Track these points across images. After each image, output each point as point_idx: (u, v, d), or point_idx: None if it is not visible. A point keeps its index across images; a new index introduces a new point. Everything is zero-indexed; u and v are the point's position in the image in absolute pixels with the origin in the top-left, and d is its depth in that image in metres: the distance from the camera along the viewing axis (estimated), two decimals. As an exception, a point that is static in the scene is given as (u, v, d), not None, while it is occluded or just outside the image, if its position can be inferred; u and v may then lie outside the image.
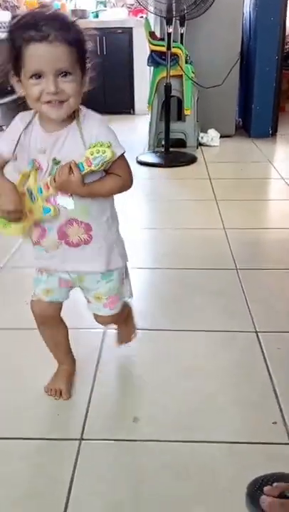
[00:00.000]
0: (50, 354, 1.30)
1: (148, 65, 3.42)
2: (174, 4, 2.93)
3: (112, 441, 1.04)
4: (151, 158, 3.30)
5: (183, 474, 0.96)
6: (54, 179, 0.93)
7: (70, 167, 0.90)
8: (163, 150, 3.36)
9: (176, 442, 1.04)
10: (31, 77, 0.86)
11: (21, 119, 0.97)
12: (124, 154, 0.96)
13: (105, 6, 5.02)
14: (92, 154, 0.90)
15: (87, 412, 1.11)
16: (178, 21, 3.30)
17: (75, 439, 1.04)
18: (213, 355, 1.31)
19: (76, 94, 0.90)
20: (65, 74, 0.87)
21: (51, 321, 1.14)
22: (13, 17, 0.89)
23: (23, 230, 1.00)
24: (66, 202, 0.96)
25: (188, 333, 1.41)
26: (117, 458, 1.00)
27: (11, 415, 1.11)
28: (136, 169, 3.11)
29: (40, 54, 0.84)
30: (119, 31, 4.73)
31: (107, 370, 1.26)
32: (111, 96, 4.90)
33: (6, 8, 5.04)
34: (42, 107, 0.89)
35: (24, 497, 0.92)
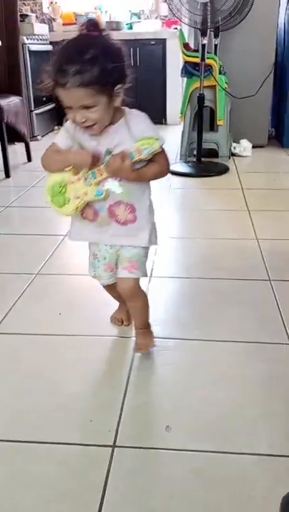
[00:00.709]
0: (84, 359, 1.32)
1: (182, 75, 3.45)
2: (208, 16, 2.95)
3: (145, 449, 1.04)
4: (183, 168, 3.31)
5: (215, 484, 0.96)
6: (108, 166, 1.09)
7: (122, 156, 1.06)
8: (195, 160, 3.37)
9: (208, 452, 1.03)
10: (66, 107, 1.05)
11: (70, 122, 1.11)
12: (163, 146, 1.12)
13: (139, 18, 5.09)
14: (142, 146, 1.07)
15: (119, 418, 1.12)
16: (212, 32, 3.32)
17: (108, 446, 1.05)
18: (246, 366, 1.30)
19: (103, 117, 1.06)
20: (89, 107, 1.03)
21: (113, 290, 1.38)
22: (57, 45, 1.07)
23: (77, 209, 1.16)
24: (115, 186, 1.14)
25: (220, 344, 1.40)
26: (150, 466, 1.00)
27: (45, 419, 1.13)
28: (167, 179, 3.13)
29: (64, 96, 1.03)
30: (153, 42, 4.78)
31: (139, 377, 1.27)
32: (143, 106, 4.90)
33: (43, 21, 5.17)
34: (79, 126, 1.08)
35: (57, 499, 0.93)
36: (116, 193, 1.14)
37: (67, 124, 1.14)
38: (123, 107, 1.12)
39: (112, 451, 1.03)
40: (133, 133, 1.10)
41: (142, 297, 1.35)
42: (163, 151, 1.13)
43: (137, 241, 1.22)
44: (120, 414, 1.13)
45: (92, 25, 1.03)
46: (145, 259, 1.28)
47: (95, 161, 1.10)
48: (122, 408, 1.15)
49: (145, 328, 1.38)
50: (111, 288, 1.38)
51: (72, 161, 1.12)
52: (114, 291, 1.39)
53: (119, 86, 1.05)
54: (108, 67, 1.01)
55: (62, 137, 1.15)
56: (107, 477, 0.97)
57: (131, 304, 1.36)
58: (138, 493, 0.94)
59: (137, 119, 1.12)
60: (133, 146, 1.08)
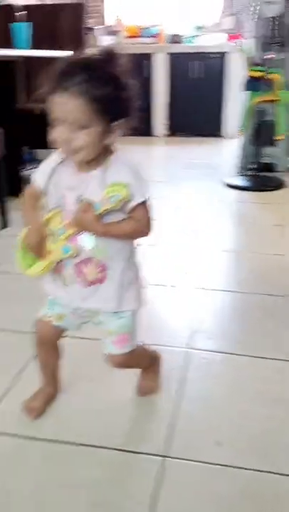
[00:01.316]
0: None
1: (244, 89, 3.44)
2: (275, 30, 2.93)
3: (195, 463, 1.04)
4: (240, 181, 3.29)
5: (264, 506, 0.94)
6: (73, 218, 0.96)
7: (84, 206, 0.94)
8: (252, 174, 3.35)
9: (259, 472, 1.02)
10: (52, 121, 0.90)
11: (53, 158, 1.01)
12: (146, 203, 0.97)
13: (202, 32, 5.12)
14: (108, 194, 0.93)
15: (169, 429, 1.12)
16: (277, 47, 3.29)
17: (158, 455, 1.05)
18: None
19: (90, 146, 0.91)
20: (80, 127, 0.88)
21: (50, 344, 1.15)
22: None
23: (46, 270, 1.03)
24: (87, 241, 0.99)
25: (273, 361, 1.38)
26: (199, 480, 1.00)
27: (96, 423, 1.15)
28: (224, 192, 3.13)
29: (60, 103, 0.88)
30: (214, 56, 4.79)
31: (190, 389, 1.26)
32: (202, 118, 4.97)
33: (108, 34, 5.31)
34: (60, 147, 0.93)
35: (103, 504, 0.94)
36: (87, 249, 0.99)
37: (53, 157, 1.00)
38: (114, 150, 0.97)
39: (162, 461, 1.04)
40: (107, 182, 0.94)
41: (136, 363, 1.18)
42: (144, 205, 0.97)
43: (105, 306, 1.04)
44: (170, 425, 1.14)
45: (109, 53, 0.91)
46: (135, 325, 1.10)
47: (41, 237, 1.00)
48: (172, 419, 1.16)
49: (148, 369, 1.24)
50: (48, 342, 1.14)
51: (24, 232, 1.02)
52: (49, 350, 1.16)
53: (118, 121, 0.92)
54: (116, 95, 0.89)
55: (41, 174, 1.02)
56: (155, 487, 0.97)
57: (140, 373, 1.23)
58: (186, 506, 0.94)
59: (118, 168, 0.95)
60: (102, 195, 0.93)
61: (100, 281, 1.01)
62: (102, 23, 5.36)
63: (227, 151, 4.21)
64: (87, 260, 1.00)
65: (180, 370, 1.34)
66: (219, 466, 1.03)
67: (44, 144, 3.58)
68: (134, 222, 0.98)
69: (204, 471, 1.02)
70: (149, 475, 1.00)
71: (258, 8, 2.88)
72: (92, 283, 1.01)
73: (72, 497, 0.96)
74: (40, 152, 3.80)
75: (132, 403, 1.22)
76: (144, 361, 1.21)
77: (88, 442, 1.09)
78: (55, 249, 1.00)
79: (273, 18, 2.89)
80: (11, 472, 1.02)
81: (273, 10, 2.83)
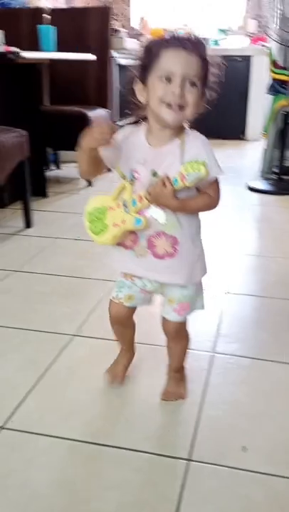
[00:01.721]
0: (161, 368, 1.33)
1: (268, 93, 3.42)
2: (300, 33, 2.91)
3: (220, 467, 1.03)
4: (263, 184, 3.27)
5: (291, 513, 0.94)
6: (149, 192, 0.99)
7: (164, 181, 0.96)
8: (275, 177, 3.32)
9: (284, 478, 1.01)
10: (161, 78, 0.93)
11: (126, 129, 1.05)
12: (219, 178, 1.02)
13: (226, 35, 5.11)
14: (186, 171, 0.94)
15: (195, 433, 1.12)
16: (302, 50, 3.27)
17: (184, 459, 1.05)
18: None
19: (194, 105, 0.95)
20: (192, 83, 0.94)
21: (125, 322, 1.22)
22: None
23: (115, 238, 1.06)
24: (158, 215, 1.02)
25: (299, 368, 1.37)
26: (224, 485, 0.99)
27: (124, 426, 1.15)
28: (246, 195, 3.11)
29: (177, 57, 0.93)
30: (238, 59, 4.78)
31: (215, 394, 1.26)
32: (224, 121, 4.95)
33: (133, 36, 5.33)
34: (161, 108, 0.95)
35: (131, 506, 0.95)
36: (159, 223, 1.02)
37: (123, 131, 1.04)
38: (186, 127, 1.01)
39: (188, 464, 1.04)
40: (185, 157, 0.98)
41: (186, 338, 1.22)
42: (216, 181, 1.02)
43: (175, 279, 1.08)
44: (196, 429, 1.13)
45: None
46: (197, 296, 1.15)
47: (100, 135, 0.97)
48: (197, 422, 1.15)
49: (179, 373, 1.26)
50: (123, 321, 1.22)
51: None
52: (125, 326, 1.24)
53: (207, 91, 0.98)
54: (212, 63, 0.98)
55: (121, 135, 1.03)
56: (181, 491, 0.97)
57: (172, 345, 1.23)
58: (210, 510, 0.94)
59: (194, 142, 0.99)
60: (178, 170, 0.96)
61: (171, 255, 1.05)
62: (128, 26, 5.39)
63: (251, 155, 4.19)
64: (160, 233, 1.03)
65: (205, 374, 1.34)
66: (244, 472, 1.02)
67: (67, 145, 3.63)
68: (208, 197, 1.02)
69: (229, 476, 1.01)
70: (175, 478, 1.00)
71: (282, 10, 2.85)
72: (163, 256, 1.05)
73: (101, 500, 0.96)
74: (63, 154, 3.84)
75: (158, 407, 1.22)
76: (188, 343, 1.24)
77: (115, 444, 1.09)
78: (128, 219, 1.03)
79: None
80: (38, 471, 1.02)
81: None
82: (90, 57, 3.12)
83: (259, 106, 4.78)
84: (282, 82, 3.20)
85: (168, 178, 0.96)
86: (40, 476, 1.01)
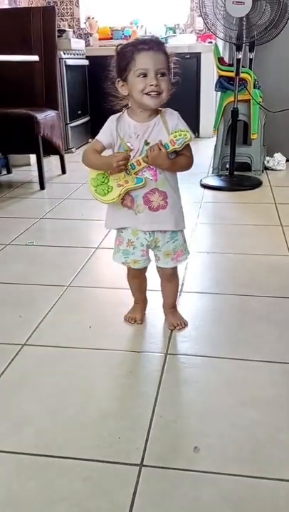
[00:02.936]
0: (113, 374, 1.32)
1: (216, 90, 3.45)
2: (244, 31, 2.94)
3: (172, 470, 1.02)
4: (216, 181, 3.30)
5: (243, 510, 0.93)
6: (147, 156, 1.28)
7: (159, 145, 1.26)
8: (227, 173, 3.36)
9: (237, 476, 1.01)
10: (139, 75, 1.23)
11: (112, 119, 1.33)
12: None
13: (174, 32, 5.13)
14: (175, 137, 1.27)
15: (147, 437, 1.11)
16: (247, 47, 3.31)
17: (136, 465, 1.03)
18: (279, 387, 1.27)
19: (167, 90, 1.26)
20: (162, 74, 1.24)
21: (141, 276, 1.56)
22: (119, 45, 1.30)
23: (120, 196, 1.32)
24: (152, 175, 1.32)
25: (252, 363, 1.37)
26: (176, 487, 0.99)
27: (73, 434, 1.13)
28: (199, 192, 3.13)
29: (148, 58, 1.23)
30: (187, 56, 4.80)
31: (168, 395, 1.25)
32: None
33: (80, 36, 5.28)
34: (144, 97, 1.25)
35: (84, 518, 0.93)
36: (153, 181, 1.32)
37: (108, 121, 1.33)
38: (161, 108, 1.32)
39: (140, 470, 1.02)
40: (168, 127, 1.30)
41: (178, 277, 1.56)
42: (189, 145, 1.31)
43: (168, 225, 1.38)
44: (148, 433, 1.12)
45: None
46: (185, 243, 1.47)
47: (122, 163, 1.28)
48: (150, 426, 1.14)
49: (174, 307, 1.58)
50: (139, 276, 1.54)
51: (103, 165, 1.32)
52: (141, 279, 1.56)
53: (172, 80, 1.28)
54: (170, 55, 1.28)
55: (104, 133, 1.33)
56: (133, 497, 0.96)
57: (169, 285, 1.54)
58: (165, 515, 0.93)
59: (172, 116, 1.32)
60: (168, 137, 1.27)
61: (163, 207, 1.35)
62: (77, 26, 5.33)
63: (203, 152, 4.22)
64: (154, 190, 1.34)
65: (157, 375, 1.33)
66: (196, 473, 1.02)
67: (17, 148, 3.56)
68: (187, 157, 1.33)
69: (181, 478, 1.01)
70: (127, 485, 0.99)
71: (225, 8, 2.88)
72: (157, 209, 1.35)
73: (49, 511, 0.94)
74: (14, 158, 3.77)
75: (111, 413, 1.20)
76: (178, 276, 1.58)
77: (64, 454, 1.07)
78: (130, 179, 1.31)
79: (240, 18, 2.89)
80: (-15, 489, 0.99)
81: (241, 10, 2.84)
82: (33, 58, 3.06)
83: (209, 103, 4.83)
84: (229, 79, 3.23)
85: (162, 143, 1.27)
86: (-13, 495, 0.98)
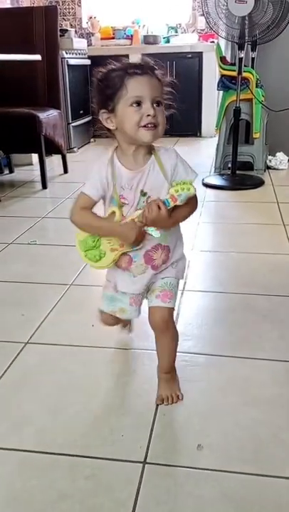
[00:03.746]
0: (116, 373, 1.31)
1: (218, 89, 3.45)
2: (246, 30, 2.94)
3: (175, 468, 1.03)
4: (218, 180, 3.29)
5: (246, 508, 0.94)
6: (145, 216, 1.04)
7: (158, 204, 1.02)
8: (229, 173, 3.35)
9: (240, 474, 1.01)
10: (132, 104, 1.00)
11: (100, 167, 1.08)
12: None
13: (176, 32, 5.13)
14: (176, 192, 1.02)
15: (151, 434, 1.11)
16: (249, 46, 3.31)
17: (139, 462, 1.04)
18: (282, 386, 1.27)
19: (164, 123, 1.04)
20: (158, 103, 1.02)
21: (117, 323, 1.39)
22: (103, 68, 1.06)
23: (114, 261, 1.12)
24: (153, 231, 1.07)
25: (255, 361, 1.37)
26: (179, 485, 0.99)
27: (76, 432, 1.13)
28: (202, 191, 3.12)
29: (143, 83, 1.01)
30: (189, 56, 4.81)
31: (170, 394, 1.25)
32: (178, 119, 4.96)
33: (82, 36, 5.28)
34: (139, 131, 1.02)
35: (87, 515, 0.93)
36: (154, 237, 1.09)
37: (96, 170, 1.08)
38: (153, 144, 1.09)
39: (143, 468, 1.02)
40: (166, 169, 1.07)
41: (174, 332, 1.24)
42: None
43: (164, 273, 1.18)
44: (151, 431, 1.12)
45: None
46: (177, 287, 1.21)
47: (141, 237, 1.08)
48: (153, 424, 1.14)
49: (170, 373, 1.26)
50: (113, 324, 1.38)
51: (115, 234, 1.09)
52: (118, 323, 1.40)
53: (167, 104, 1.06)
54: (165, 87, 1.06)
55: (94, 187, 1.08)
56: (137, 495, 0.96)
57: (162, 340, 1.24)
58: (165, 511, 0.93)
59: (168, 155, 1.09)
60: (168, 192, 1.04)
61: (165, 261, 1.16)
62: (79, 26, 5.33)
63: (206, 151, 4.22)
64: (157, 247, 1.13)
65: (161, 373, 1.32)
66: (199, 470, 1.02)
67: (19, 147, 3.57)
68: (190, 207, 1.10)
69: (184, 475, 1.01)
70: (130, 483, 0.99)
71: (226, 6, 2.88)
72: (159, 266, 1.16)
73: (56, 510, 0.94)
74: (16, 157, 3.77)
75: (114, 411, 1.20)
76: (177, 338, 1.27)
77: (68, 452, 1.07)
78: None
79: (243, 17, 2.89)
80: (-12, 487, 0.99)
81: (243, 9, 2.84)
82: (35, 57, 3.06)
83: (212, 102, 4.83)
84: (231, 78, 3.23)
85: (161, 201, 1.03)
86: (-10, 492, 0.98)
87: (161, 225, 1.06)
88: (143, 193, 1.07)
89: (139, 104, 1.00)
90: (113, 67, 1.04)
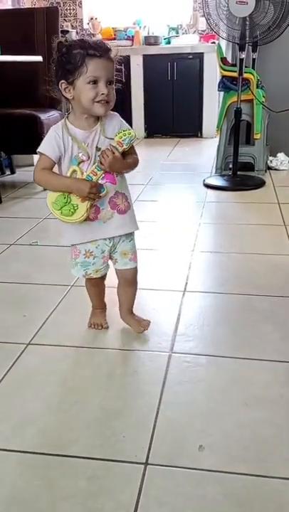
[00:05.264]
0: (118, 374, 1.32)
1: (219, 90, 3.45)
2: (247, 30, 2.94)
3: (177, 468, 1.03)
4: (219, 181, 3.29)
5: (247, 509, 0.94)
6: (101, 163, 1.24)
7: (111, 150, 1.23)
8: (230, 173, 3.36)
9: (242, 475, 1.01)
10: (89, 82, 1.18)
11: (55, 129, 1.27)
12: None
13: (177, 33, 5.13)
14: (120, 138, 1.24)
15: (152, 435, 1.11)
16: (250, 47, 3.31)
17: (140, 463, 1.04)
18: (283, 387, 1.27)
19: (114, 99, 1.23)
20: (110, 83, 1.21)
21: (101, 285, 1.52)
22: (65, 41, 1.22)
23: (88, 211, 1.27)
24: (110, 179, 1.29)
25: (256, 362, 1.37)
26: (181, 486, 0.99)
27: (78, 433, 1.13)
28: (202, 192, 3.13)
29: (100, 66, 1.18)
30: (190, 57, 4.81)
31: (172, 394, 1.25)
32: (179, 119, 4.97)
33: (83, 37, 5.27)
34: (94, 106, 1.21)
35: (88, 516, 0.93)
36: (113, 186, 1.31)
37: (52, 133, 1.27)
38: None
39: (145, 468, 1.03)
40: (106, 131, 1.27)
41: (137, 281, 1.50)
42: (133, 145, 1.29)
43: (133, 227, 1.39)
44: (153, 431, 1.12)
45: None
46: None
47: (95, 190, 1.24)
48: (154, 424, 1.14)
49: (133, 313, 1.54)
50: (99, 284, 1.51)
51: (71, 189, 1.25)
52: (101, 287, 1.53)
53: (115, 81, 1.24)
54: (116, 65, 1.24)
55: (51, 147, 1.26)
56: (138, 496, 0.96)
57: (129, 289, 1.50)
58: (169, 514, 0.93)
59: (113, 118, 1.30)
60: (113, 140, 1.25)
61: (128, 207, 1.37)
62: (80, 27, 5.34)
63: (207, 152, 4.22)
64: (117, 193, 1.33)
65: (162, 374, 1.33)
66: (201, 471, 1.02)
67: (20, 148, 3.57)
68: (134, 157, 1.32)
69: (185, 476, 1.01)
70: (132, 484, 0.99)
71: (228, 8, 2.88)
72: (125, 211, 1.35)
73: (54, 509, 0.94)
74: (18, 158, 3.78)
75: (115, 412, 1.20)
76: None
77: (68, 453, 1.07)
78: None
79: (244, 18, 2.89)
80: (-10, 488, 0.99)
81: (244, 10, 2.84)
82: (36, 58, 3.07)
83: (213, 103, 4.83)
84: (232, 79, 3.23)
85: (113, 146, 1.24)
86: (-8, 493, 0.98)
87: (118, 167, 1.27)
88: (98, 148, 1.27)
89: (95, 82, 1.18)
90: (74, 43, 1.19)
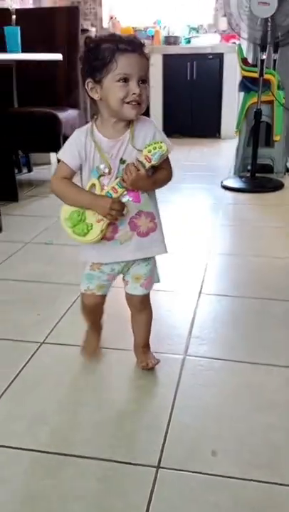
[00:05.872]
0: (131, 375, 1.31)
1: (239, 90, 3.42)
2: (268, 32, 2.91)
3: (189, 473, 1.01)
4: (237, 183, 3.27)
5: (261, 517, 0.92)
6: (122, 180, 1.08)
7: (135, 165, 1.06)
8: (249, 175, 3.33)
9: (254, 482, 0.99)
10: (119, 80, 1.04)
11: (78, 135, 1.12)
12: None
13: (198, 32, 5.10)
14: (149, 152, 1.06)
15: (165, 439, 1.10)
16: (271, 48, 3.28)
17: (153, 466, 1.03)
18: (297, 393, 1.25)
19: (146, 101, 1.08)
20: (143, 81, 1.06)
21: (98, 310, 1.33)
22: (94, 37, 1.10)
23: (102, 232, 1.12)
24: (133, 197, 1.12)
25: (269, 367, 1.36)
26: (193, 491, 0.98)
27: (91, 434, 1.13)
28: (221, 194, 3.10)
29: (132, 62, 1.03)
30: (210, 57, 4.78)
31: (185, 398, 1.24)
32: (198, 120, 4.95)
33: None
34: (123, 107, 1.06)
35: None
36: (135, 205, 1.13)
37: (73, 137, 1.12)
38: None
39: (156, 472, 1.02)
40: (136, 141, 1.10)
41: (150, 309, 1.32)
42: (167, 157, 1.12)
43: (155, 251, 1.21)
44: (166, 435, 1.12)
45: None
46: (155, 269, 1.27)
47: (118, 206, 1.09)
48: (167, 428, 1.13)
49: (146, 347, 1.35)
50: (97, 309, 1.32)
51: (92, 207, 1.10)
52: (99, 313, 1.34)
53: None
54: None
55: (70, 153, 1.12)
56: (150, 499, 0.95)
57: (140, 317, 1.32)
58: (181, 519, 0.92)
59: (146, 124, 1.12)
60: (141, 153, 1.07)
61: (153, 229, 1.18)
62: (98, 25, 5.35)
63: (225, 153, 4.19)
64: (140, 213, 1.15)
65: (176, 377, 1.32)
66: (214, 477, 1.01)
67: (38, 147, 3.59)
68: (166, 170, 1.15)
69: (198, 481, 1.00)
70: (143, 487, 0.98)
71: (250, 8, 2.86)
72: (147, 233, 1.17)
73: (65, 510, 0.94)
74: (35, 156, 3.80)
75: (128, 414, 1.20)
76: (151, 309, 1.33)
77: (81, 453, 1.07)
78: None
79: (265, 19, 2.86)
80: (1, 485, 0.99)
81: (266, 11, 2.81)
82: (57, 56, 3.08)
83: (232, 104, 4.79)
84: (252, 80, 3.20)
85: (140, 161, 1.06)
86: (1, 491, 0.98)
87: (142, 186, 1.10)
88: (122, 161, 1.10)
89: (126, 80, 1.04)
90: (104, 38, 1.07)
